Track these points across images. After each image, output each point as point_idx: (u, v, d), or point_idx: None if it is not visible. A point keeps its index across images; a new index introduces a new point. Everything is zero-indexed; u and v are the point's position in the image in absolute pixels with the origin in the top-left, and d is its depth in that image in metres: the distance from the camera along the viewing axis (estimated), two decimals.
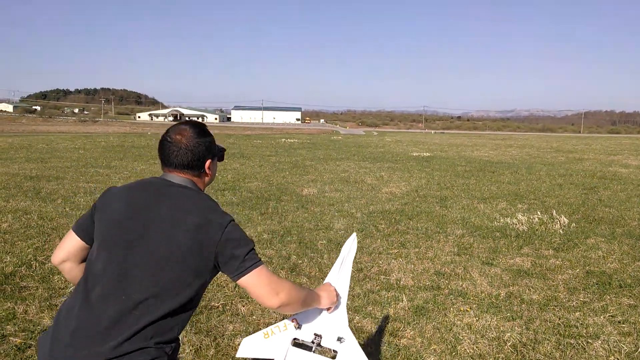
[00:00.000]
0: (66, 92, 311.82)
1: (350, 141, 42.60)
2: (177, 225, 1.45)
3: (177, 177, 1.63)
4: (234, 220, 1.57)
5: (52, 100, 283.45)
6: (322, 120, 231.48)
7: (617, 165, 20.88)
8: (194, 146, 1.66)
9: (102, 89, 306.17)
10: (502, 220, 8.72)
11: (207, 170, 1.72)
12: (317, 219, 8.66)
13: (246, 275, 1.45)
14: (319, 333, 1.84)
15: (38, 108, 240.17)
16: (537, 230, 7.98)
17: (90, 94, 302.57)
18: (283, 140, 38.59)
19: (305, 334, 1.85)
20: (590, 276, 5.74)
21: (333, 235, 7.47)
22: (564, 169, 18.76)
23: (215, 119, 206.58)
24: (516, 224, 8.28)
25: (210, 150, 1.73)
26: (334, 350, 1.83)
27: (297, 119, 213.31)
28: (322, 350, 1.84)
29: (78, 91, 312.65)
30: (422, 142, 45.38)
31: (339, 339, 1.81)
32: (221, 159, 1.83)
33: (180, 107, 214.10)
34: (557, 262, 6.29)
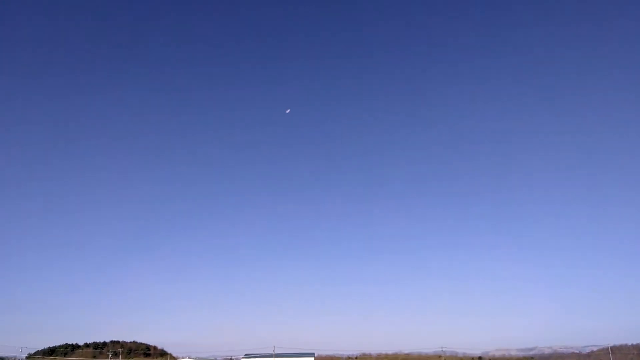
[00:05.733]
0: (74, 347, 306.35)
1: None
2: None
3: None
4: None
5: (59, 356, 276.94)
6: None
7: None
8: None
9: (111, 341, 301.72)
10: None
11: None
12: None
13: None
14: None
15: None
16: None
17: (98, 348, 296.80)
18: None
19: None
20: None
21: None
22: None
23: None
24: None
25: None
26: None
27: None
28: None
29: (87, 345, 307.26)
30: None
31: None
32: None
33: (189, 357, 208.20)
34: None
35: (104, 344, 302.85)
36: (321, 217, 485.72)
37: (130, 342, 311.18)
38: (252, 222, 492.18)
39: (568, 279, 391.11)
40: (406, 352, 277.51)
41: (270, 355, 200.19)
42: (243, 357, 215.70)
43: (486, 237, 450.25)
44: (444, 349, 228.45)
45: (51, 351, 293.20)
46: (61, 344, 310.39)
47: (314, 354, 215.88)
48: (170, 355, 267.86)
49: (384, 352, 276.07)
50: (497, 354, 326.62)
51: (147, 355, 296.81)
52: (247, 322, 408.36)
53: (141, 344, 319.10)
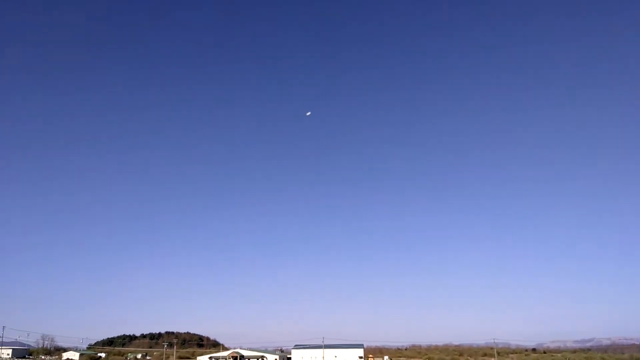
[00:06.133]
0: (132, 337, 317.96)
1: None
2: None
3: None
4: None
5: (117, 347, 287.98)
6: (386, 358, 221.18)
7: None
8: None
9: (166, 332, 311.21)
10: None
11: None
12: None
13: None
14: None
15: (103, 355, 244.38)
16: None
17: (154, 339, 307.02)
18: None
19: None
20: None
21: None
22: None
23: (276, 359, 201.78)
24: None
25: None
26: None
27: (360, 357, 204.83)
28: None
29: (143, 336, 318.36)
30: None
31: None
32: None
33: (240, 348, 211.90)
34: None
35: (159, 334, 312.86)
36: (372, 210, 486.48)
37: (184, 333, 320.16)
38: (302, 216, 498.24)
39: (628, 269, 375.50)
40: (457, 343, 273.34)
41: (320, 346, 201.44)
42: (293, 348, 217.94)
43: (541, 228, 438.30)
44: (496, 340, 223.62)
45: (110, 342, 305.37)
46: (119, 335, 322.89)
47: (362, 344, 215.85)
48: (222, 345, 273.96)
49: (434, 344, 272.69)
50: (552, 345, 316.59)
51: (200, 345, 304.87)
52: (296, 314, 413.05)
53: (194, 334, 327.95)
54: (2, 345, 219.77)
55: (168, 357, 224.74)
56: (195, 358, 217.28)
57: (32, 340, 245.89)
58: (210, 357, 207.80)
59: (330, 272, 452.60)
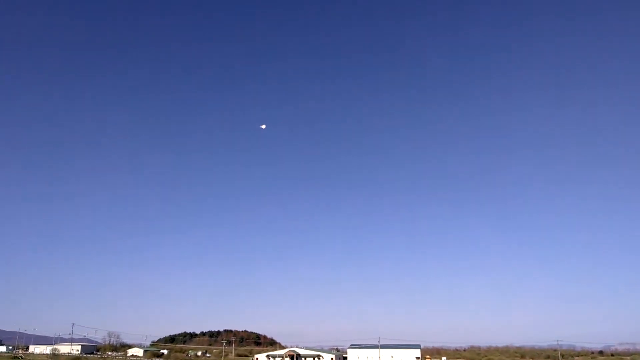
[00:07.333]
0: (192, 335, 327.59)
1: None
2: None
3: None
4: None
5: (178, 344, 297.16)
6: (444, 359, 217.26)
7: None
8: None
9: (224, 330, 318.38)
10: None
11: None
12: None
13: None
14: None
15: (165, 352, 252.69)
16: None
17: (213, 336, 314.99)
18: None
19: None
20: None
21: None
22: None
23: (332, 358, 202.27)
24: None
25: None
26: None
27: (417, 357, 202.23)
28: None
29: (203, 333, 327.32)
30: None
31: None
32: None
33: (297, 346, 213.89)
34: None
35: (218, 332, 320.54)
36: (431, 210, 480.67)
37: (242, 331, 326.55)
38: (360, 218, 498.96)
39: None
40: (518, 345, 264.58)
41: (376, 346, 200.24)
42: (348, 348, 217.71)
43: (613, 224, 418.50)
44: (559, 342, 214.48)
45: (172, 339, 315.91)
46: (180, 332, 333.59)
47: (419, 345, 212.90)
48: (279, 344, 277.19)
49: (494, 345, 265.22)
50: (621, 348, 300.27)
51: (257, 343, 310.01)
52: (352, 314, 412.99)
53: (252, 333, 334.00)
54: (72, 342, 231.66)
55: (227, 355, 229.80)
56: (253, 356, 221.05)
57: (99, 337, 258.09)
58: (267, 355, 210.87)
59: (387, 273, 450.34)
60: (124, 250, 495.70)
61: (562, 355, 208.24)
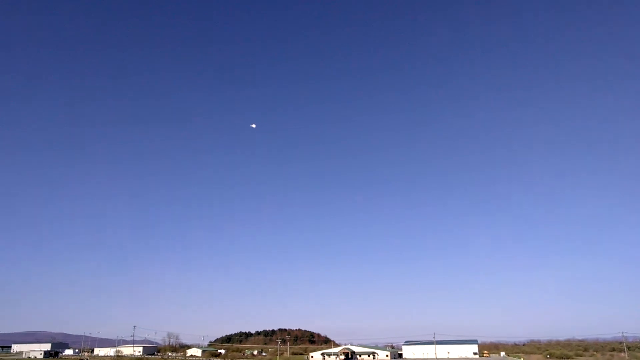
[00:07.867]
0: (247, 335, 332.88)
1: None
2: None
3: None
4: None
5: (235, 343, 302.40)
6: (502, 354, 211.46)
7: None
8: None
9: (279, 329, 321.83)
10: None
11: None
12: None
13: None
14: None
15: (222, 351, 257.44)
16: None
17: (268, 335, 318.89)
18: None
19: None
20: None
21: None
22: None
23: (387, 355, 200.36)
24: None
25: None
26: None
27: (474, 353, 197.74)
28: None
29: (258, 333, 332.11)
30: None
31: None
32: None
33: (351, 344, 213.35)
34: None
35: (273, 331, 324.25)
36: (490, 206, 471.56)
37: (296, 329, 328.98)
38: (412, 217, 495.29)
39: None
40: (580, 338, 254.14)
41: (431, 342, 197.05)
42: (403, 344, 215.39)
43: None
44: (624, 334, 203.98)
45: (228, 339, 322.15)
46: (236, 332, 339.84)
47: (477, 340, 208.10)
48: (334, 342, 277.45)
49: (554, 339, 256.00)
50: None
51: (311, 342, 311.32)
52: (407, 310, 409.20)
53: (306, 331, 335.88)
54: (134, 344, 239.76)
55: (282, 353, 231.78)
56: (308, 354, 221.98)
57: (159, 338, 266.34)
58: (322, 353, 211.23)
59: (440, 269, 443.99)
60: (181, 256, 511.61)
61: (629, 348, 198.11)
